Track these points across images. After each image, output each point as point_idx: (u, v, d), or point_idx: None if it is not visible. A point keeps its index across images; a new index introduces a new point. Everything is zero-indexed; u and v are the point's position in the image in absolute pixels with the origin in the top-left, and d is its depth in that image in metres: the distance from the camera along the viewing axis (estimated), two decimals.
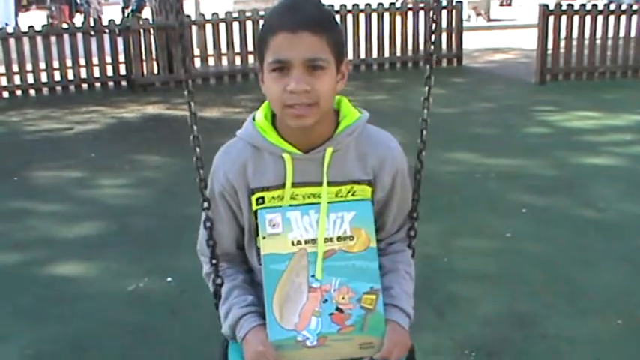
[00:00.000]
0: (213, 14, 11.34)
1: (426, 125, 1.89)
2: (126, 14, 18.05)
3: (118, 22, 11.25)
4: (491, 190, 5.76)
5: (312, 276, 1.69)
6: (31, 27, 10.91)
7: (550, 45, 10.53)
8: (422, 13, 12.07)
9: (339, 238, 1.71)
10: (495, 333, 3.52)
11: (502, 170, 6.26)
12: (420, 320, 3.45)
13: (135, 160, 7.04)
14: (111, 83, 11.14)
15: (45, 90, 10.90)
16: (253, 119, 1.79)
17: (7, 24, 15.27)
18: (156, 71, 11.22)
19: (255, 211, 1.74)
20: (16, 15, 22.39)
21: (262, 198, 1.74)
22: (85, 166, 6.87)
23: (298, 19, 1.58)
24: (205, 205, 1.79)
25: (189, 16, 12.20)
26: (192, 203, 5.28)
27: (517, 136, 7.60)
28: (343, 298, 1.68)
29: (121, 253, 4.69)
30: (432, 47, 1.91)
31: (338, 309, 1.68)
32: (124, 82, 11.11)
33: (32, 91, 10.85)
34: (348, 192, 1.75)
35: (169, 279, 4.24)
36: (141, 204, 5.74)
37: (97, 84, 11.07)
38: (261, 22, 11.07)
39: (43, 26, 11.18)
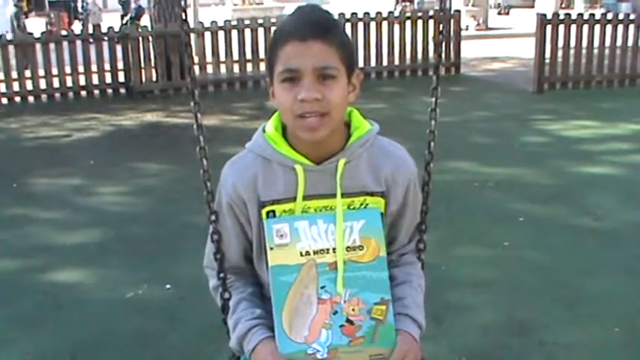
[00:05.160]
0: (212, 22, 11.37)
1: (434, 137, 1.88)
2: (124, 22, 18.10)
3: (116, 29, 11.29)
4: (489, 199, 5.77)
5: (322, 287, 1.65)
6: (30, 34, 10.92)
7: (548, 54, 10.56)
8: (420, 22, 12.10)
9: (348, 249, 1.67)
10: (493, 340, 3.53)
11: (500, 179, 6.28)
12: None
13: (133, 168, 7.05)
14: (109, 91, 11.16)
15: (44, 97, 10.92)
16: (263, 131, 1.75)
17: (6, 31, 15.28)
18: (154, 79, 11.24)
19: None
20: None
21: (273, 211, 1.69)
22: (83, 173, 6.88)
23: (307, 28, 1.57)
24: (213, 217, 1.75)
25: (188, 22, 12.22)
26: (191, 211, 5.32)
27: (515, 144, 7.62)
28: (353, 309, 1.65)
29: (119, 260, 4.69)
30: (438, 58, 1.91)
31: (348, 321, 1.64)
32: (122, 90, 11.13)
33: (31, 98, 10.87)
34: (361, 204, 1.72)
35: (168, 286, 4.25)
36: (139, 211, 5.74)
37: (96, 91, 11.09)
38: (259, 30, 11.24)
39: (42, 33, 11.21)
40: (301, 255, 1.65)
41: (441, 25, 2.24)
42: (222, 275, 1.78)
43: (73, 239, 5.10)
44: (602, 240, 4.84)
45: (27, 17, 23.59)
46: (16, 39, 11.56)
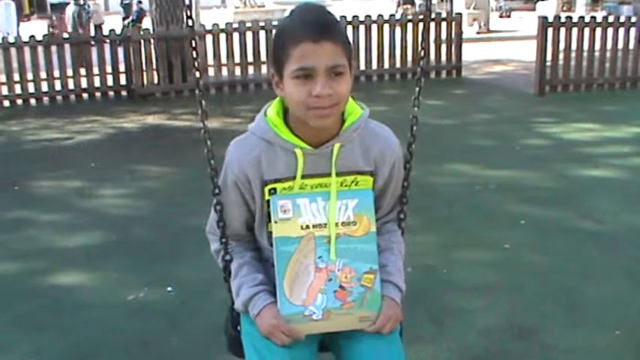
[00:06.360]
0: (214, 25, 11.39)
1: (416, 122, 2.13)
2: (126, 24, 18.11)
3: (118, 32, 11.30)
4: (490, 202, 5.77)
5: (320, 257, 1.87)
6: (32, 36, 10.95)
7: (549, 57, 10.56)
8: (421, 25, 12.10)
9: (343, 224, 1.89)
10: (494, 343, 3.53)
11: (501, 181, 6.28)
12: (418, 330, 3.47)
13: (135, 170, 7.06)
14: (111, 93, 11.18)
15: (45, 99, 10.95)
16: (265, 114, 1.93)
17: (8, 33, 15.31)
18: (156, 81, 11.25)
19: (269, 200, 1.90)
20: (17, 24, 22.43)
21: (275, 189, 1.91)
22: (85, 175, 6.88)
23: (319, 30, 1.74)
24: (216, 191, 1.96)
25: (193, 19, 12.23)
26: (193, 213, 5.34)
27: (516, 147, 7.61)
28: (346, 277, 1.88)
29: (121, 262, 4.70)
30: (423, 52, 2.18)
31: (341, 287, 1.88)
32: (124, 92, 11.15)
33: (33, 101, 10.89)
34: (352, 181, 1.94)
35: (169, 289, 4.25)
36: (141, 214, 5.75)
37: (98, 94, 11.11)
38: (261, 32, 11.24)
39: (44, 36, 11.23)
40: (302, 228, 1.88)
41: (428, 26, 2.35)
42: (224, 240, 2.00)
43: (75, 242, 5.11)
44: (603, 243, 4.84)
45: (29, 20, 23.63)
46: (72, 38, 11.88)
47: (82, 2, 15.31)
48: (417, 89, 2.11)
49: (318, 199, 1.89)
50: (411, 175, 2.10)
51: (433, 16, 12.54)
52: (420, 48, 2.21)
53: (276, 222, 1.87)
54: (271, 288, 1.91)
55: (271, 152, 1.90)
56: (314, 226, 1.88)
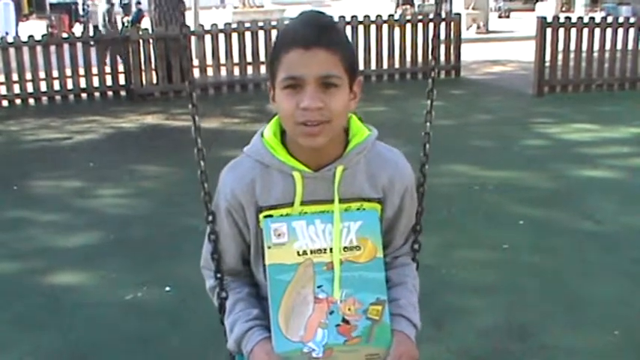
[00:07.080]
0: (213, 25, 11.38)
1: (429, 139, 1.88)
2: (125, 24, 18.12)
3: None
4: (489, 202, 5.77)
5: (319, 287, 1.66)
6: (30, 36, 10.95)
7: (548, 57, 10.57)
8: (420, 25, 12.12)
9: (345, 249, 1.68)
10: (493, 344, 3.53)
11: (500, 182, 6.28)
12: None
13: (133, 170, 7.06)
14: (110, 93, 11.17)
15: (44, 99, 10.94)
16: (261, 135, 1.74)
17: (7, 33, 15.29)
18: (155, 81, 11.24)
19: None
20: (16, 24, 22.43)
21: (270, 216, 1.70)
22: (83, 175, 6.88)
23: (311, 36, 1.55)
24: (210, 218, 1.76)
25: (188, 26, 12.23)
26: (191, 213, 5.33)
27: (515, 148, 7.62)
28: (349, 309, 1.66)
29: (119, 262, 4.69)
30: (434, 61, 1.90)
31: (344, 320, 1.65)
32: (123, 92, 11.13)
33: (31, 101, 10.88)
34: (357, 209, 1.72)
35: (168, 288, 4.25)
36: (139, 214, 5.74)
37: (96, 94, 11.10)
38: (260, 33, 11.24)
39: (43, 36, 11.23)
40: (298, 254, 1.66)
41: (437, 29, 2.24)
42: (219, 275, 1.79)
43: (73, 242, 5.10)
44: (602, 243, 4.84)
45: (28, 19, 23.62)
46: (106, 34, 11.98)
47: (112, 1, 15.51)
48: (429, 102, 1.86)
49: (316, 222, 1.68)
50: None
51: (431, 16, 12.55)
52: (430, 56, 1.87)
53: (269, 247, 1.66)
54: (268, 323, 1.68)
55: (267, 176, 1.70)
56: (312, 252, 1.66)
